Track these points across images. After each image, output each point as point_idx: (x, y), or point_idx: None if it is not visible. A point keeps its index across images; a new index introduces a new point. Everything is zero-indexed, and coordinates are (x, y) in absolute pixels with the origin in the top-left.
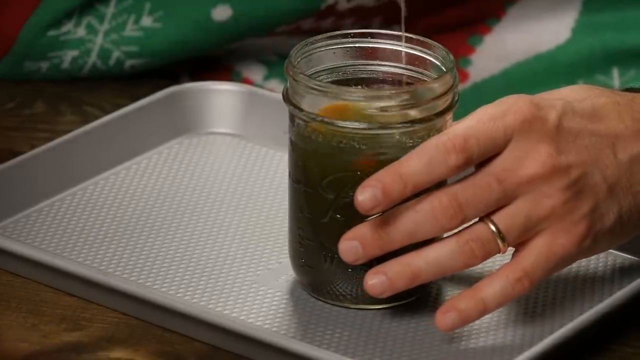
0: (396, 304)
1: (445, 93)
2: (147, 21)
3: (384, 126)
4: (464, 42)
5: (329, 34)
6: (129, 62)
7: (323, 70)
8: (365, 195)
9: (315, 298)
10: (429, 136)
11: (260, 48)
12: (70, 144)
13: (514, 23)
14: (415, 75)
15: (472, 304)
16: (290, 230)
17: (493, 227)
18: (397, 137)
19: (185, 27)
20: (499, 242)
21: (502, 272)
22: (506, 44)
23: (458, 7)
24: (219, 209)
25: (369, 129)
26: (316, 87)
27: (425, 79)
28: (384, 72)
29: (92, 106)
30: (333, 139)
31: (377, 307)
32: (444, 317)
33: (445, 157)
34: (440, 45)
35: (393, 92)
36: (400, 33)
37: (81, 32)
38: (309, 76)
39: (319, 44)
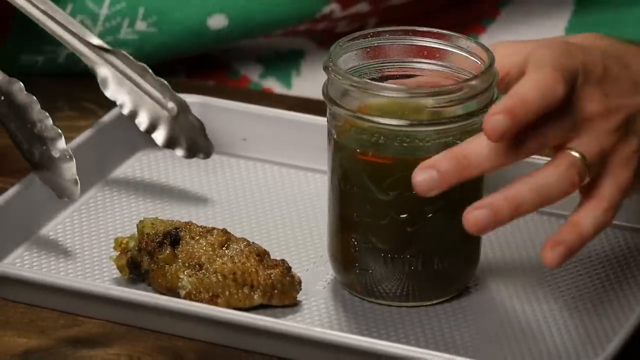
0: (442, 300)
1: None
2: (141, 26)
3: (440, 122)
4: None
5: (365, 32)
6: None
7: (361, 67)
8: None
9: (360, 298)
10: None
11: (257, 46)
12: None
13: (508, 23)
14: (456, 73)
15: (575, 236)
16: (338, 235)
17: (579, 155)
18: (451, 133)
19: (181, 33)
20: (586, 169)
21: (589, 206)
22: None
23: (453, 8)
24: (214, 220)
25: (428, 125)
26: (358, 84)
27: (467, 76)
28: (423, 70)
29: (89, 102)
30: (396, 138)
31: (425, 304)
32: (553, 251)
33: (555, 86)
34: (479, 42)
35: (442, 88)
36: (439, 30)
37: None
38: (349, 74)
39: (356, 42)
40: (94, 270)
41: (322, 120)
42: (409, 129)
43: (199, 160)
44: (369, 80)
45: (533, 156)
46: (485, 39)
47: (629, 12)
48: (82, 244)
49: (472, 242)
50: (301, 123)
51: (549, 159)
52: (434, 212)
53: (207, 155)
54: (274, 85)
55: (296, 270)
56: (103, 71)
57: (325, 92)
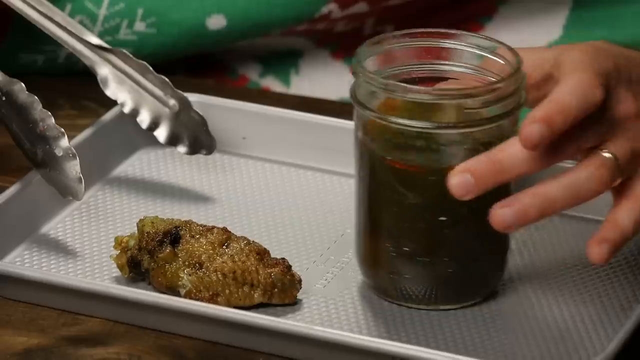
0: (471, 302)
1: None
2: (140, 26)
3: (467, 125)
4: None
5: (391, 34)
6: None
7: (387, 70)
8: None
9: (389, 301)
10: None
11: (256, 46)
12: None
13: (506, 21)
14: (483, 76)
15: (617, 233)
16: (371, 241)
17: (611, 155)
18: (478, 136)
19: (180, 34)
20: (618, 170)
21: (625, 205)
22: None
23: (451, 6)
24: (214, 218)
25: (463, 127)
26: (386, 87)
27: (493, 78)
28: (450, 72)
29: (90, 100)
30: (423, 141)
31: (454, 307)
32: (600, 247)
33: (594, 90)
34: (507, 46)
35: (469, 90)
36: (466, 32)
37: None
38: (378, 75)
39: (383, 44)
40: (94, 269)
41: (322, 119)
42: (437, 132)
43: (199, 159)
44: (397, 82)
45: None
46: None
47: (626, 9)
48: (83, 243)
49: (503, 243)
50: (301, 122)
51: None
52: (471, 213)
53: (210, 151)
54: (272, 84)
55: (296, 269)
56: (103, 71)
57: (353, 95)
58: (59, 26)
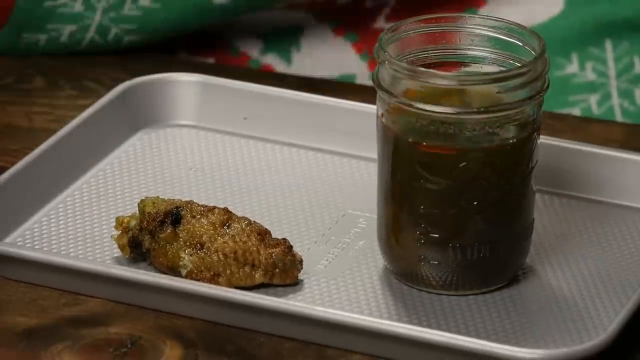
0: (494, 287)
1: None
2: (145, 1)
3: (490, 110)
4: None
5: (415, 19)
6: (127, 38)
7: (410, 54)
8: None
9: (409, 286)
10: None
11: (257, 22)
12: (44, 156)
13: None
14: (503, 60)
15: None
16: (399, 228)
17: None
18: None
19: (185, 9)
20: None
21: None
22: (500, 17)
23: None
24: (215, 199)
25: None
26: (410, 72)
27: (516, 63)
28: (474, 57)
29: (91, 81)
30: (466, 125)
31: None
32: None
33: None
34: (529, 29)
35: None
36: (489, 16)
37: (79, 6)
38: (400, 61)
39: (406, 30)
40: (95, 250)
41: (323, 99)
42: (463, 117)
43: (200, 139)
44: (421, 68)
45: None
46: (487, 10)
47: None
48: (84, 223)
49: (529, 226)
50: (302, 102)
51: None
52: (501, 197)
53: None
54: (274, 61)
55: (297, 249)
56: None
57: (375, 81)
58: None
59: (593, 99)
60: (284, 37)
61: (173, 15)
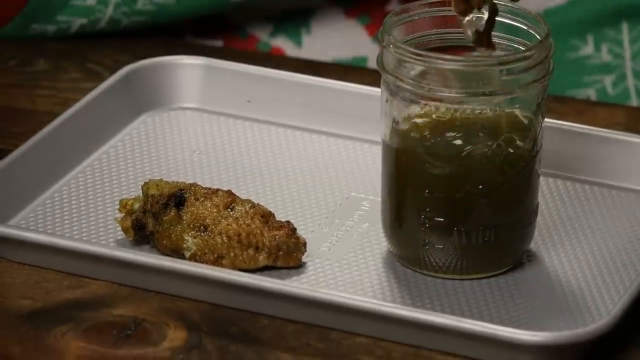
0: (498, 272)
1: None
2: None
3: (496, 93)
4: None
5: (419, 2)
6: (136, 26)
7: (414, 39)
8: None
9: (413, 270)
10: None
11: (266, 4)
12: (48, 138)
13: None
14: (507, 44)
15: None
16: (403, 212)
17: None
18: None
19: (201, 4)
20: None
21: None
22: None
23: None
24: (219, 181)
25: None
26: (415, 56)
27: (519, 46)
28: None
29: (95, 64)
30: (457, 110)
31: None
32: None
33: None
34: (534, 13)
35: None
36: (495, 1)
37: (91, 0)
38: (406, 45)
39: (411, 13)
40: (99, 232)
41: (327, 82)
42: (469, 99)
43: (203, 122)
44: (426, 51)
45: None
46: None
47: None
48: (87, 206)
49: (534, 210)
50: (306, 85)
51: None
52: (507, 180)
53: None
54: (284, 43)
55: (301, 231)
56: None
57: (380, 64)
58: None
59: (608, 80)
60: (294, 19)
61: (187, 10)
